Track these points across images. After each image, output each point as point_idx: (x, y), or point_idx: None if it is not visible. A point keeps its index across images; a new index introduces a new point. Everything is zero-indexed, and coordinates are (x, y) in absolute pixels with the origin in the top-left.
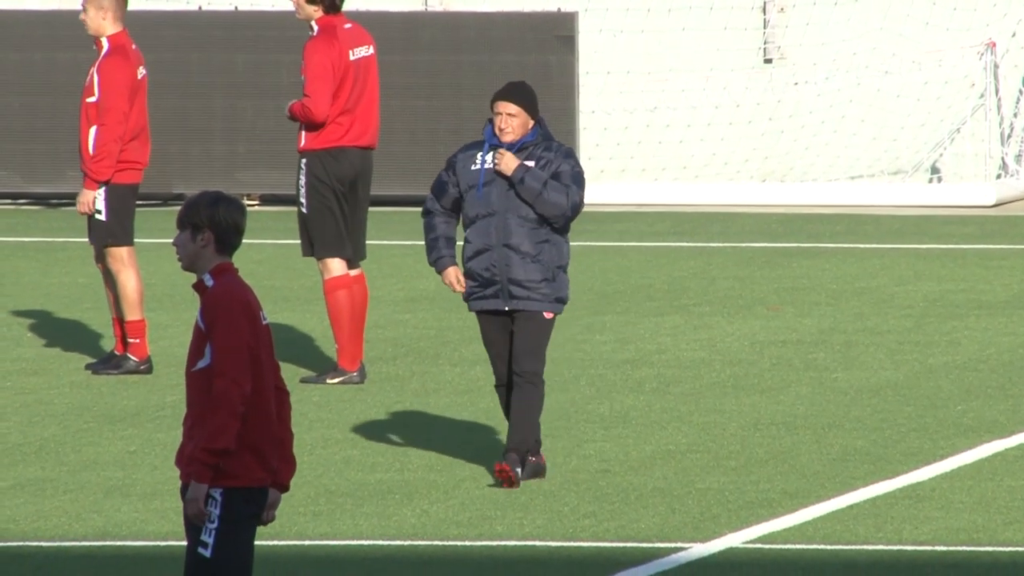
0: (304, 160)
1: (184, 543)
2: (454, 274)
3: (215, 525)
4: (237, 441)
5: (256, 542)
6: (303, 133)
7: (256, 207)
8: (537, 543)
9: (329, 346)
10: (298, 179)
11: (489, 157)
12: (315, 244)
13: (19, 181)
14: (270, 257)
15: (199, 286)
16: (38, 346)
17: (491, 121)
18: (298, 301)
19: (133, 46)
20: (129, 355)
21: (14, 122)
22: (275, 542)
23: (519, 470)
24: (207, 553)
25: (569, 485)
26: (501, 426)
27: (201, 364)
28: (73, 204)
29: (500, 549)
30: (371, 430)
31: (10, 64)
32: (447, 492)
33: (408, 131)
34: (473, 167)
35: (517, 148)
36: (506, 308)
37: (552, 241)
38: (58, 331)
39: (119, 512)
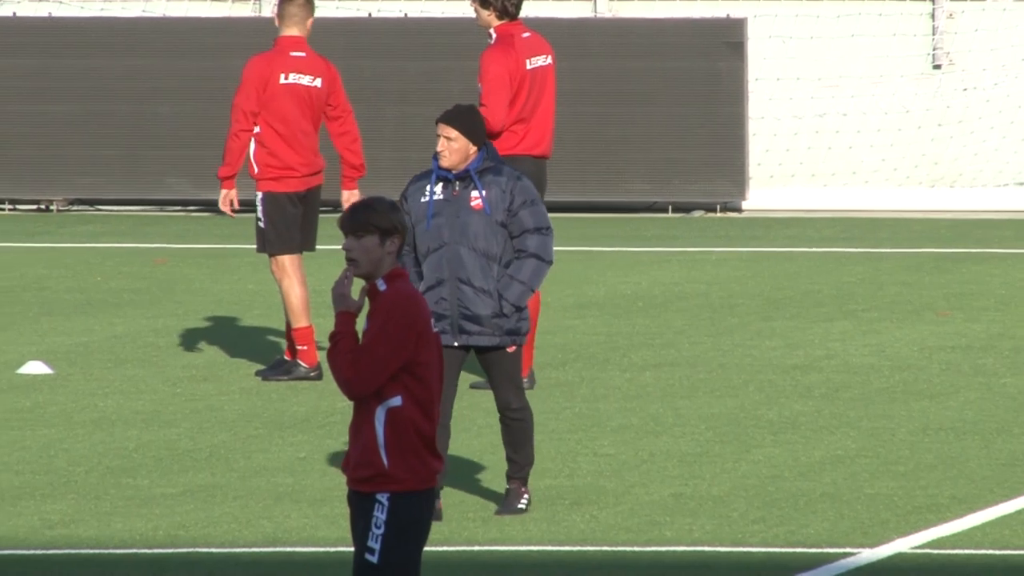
0: None
1: (352, 549)
2: None
3: (381, 531)
4: (397, 452)
5: (425, 548)
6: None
7: None
8: (706, 548)
9: None
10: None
11: (439, 188)
12: None
13: (189, 188)
14: None
15: (372, 291)
16: (208, 353)
17: None
18: None
19: (300, 52)
20: (299, 361)
21: (185, 129)
22: (445, 548)
23: (521, 503)
24: (374, 559)
25: (738, 490)
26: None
27: None
28: (241, 210)
29: (669, 555)
30: (540, 436)
31: (181, 71)
32: (616, 498)
33: (577, 138)
34: (423, 199)
35: (459, 176)
36: (455, 344)
37: (500, 275)
38: (228, 338)
39: (288, 518)
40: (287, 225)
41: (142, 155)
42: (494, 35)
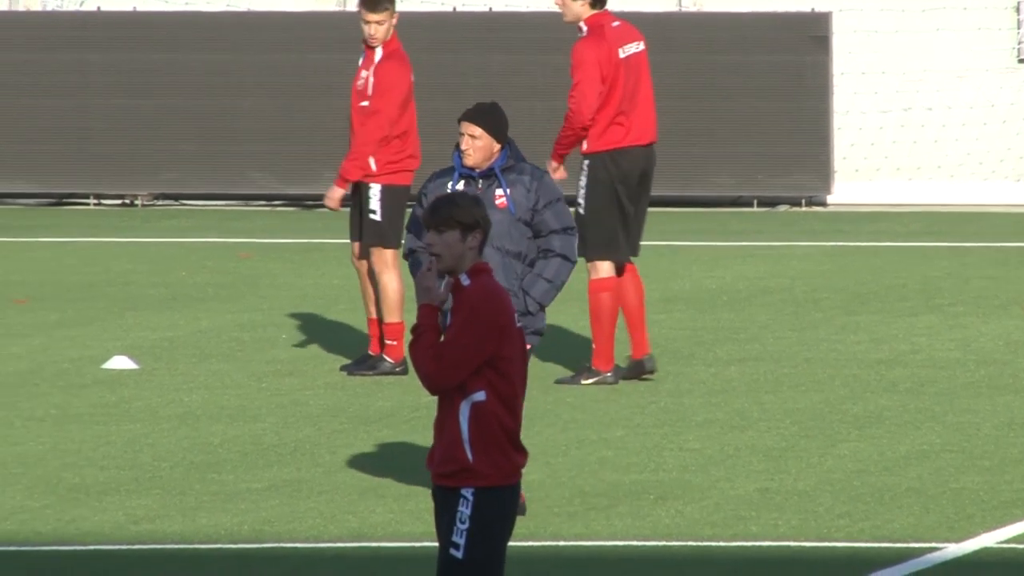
0: (587, 162)
1: (437, 544)
2: None
3: (466, 526)
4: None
5: (510, 543)
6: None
7: None
8: (791, 543)
9: (576, 346)
10: (579, 180)
11: (461, 186)
12: (587, 245)
13: (274, 183)
14: None
15: (455, 285)
16: (293, 347)
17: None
18: (556, 302)
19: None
20: (385, 356)
21: (270, 124)
22: (530, 543)
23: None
24: (458, 554)
25: (823, 485)
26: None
27: None
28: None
29: (754, 549)
30: (625, 431)
31: (262, 66)
32: (702, 492)
33: (661, 132)
34: None
35: (483, 174)
36: None
37: (524, 274)
38: (313, 332)
39: (373, 513)
40: (400, 219)
41: (226, 150)
42: (584, 27)
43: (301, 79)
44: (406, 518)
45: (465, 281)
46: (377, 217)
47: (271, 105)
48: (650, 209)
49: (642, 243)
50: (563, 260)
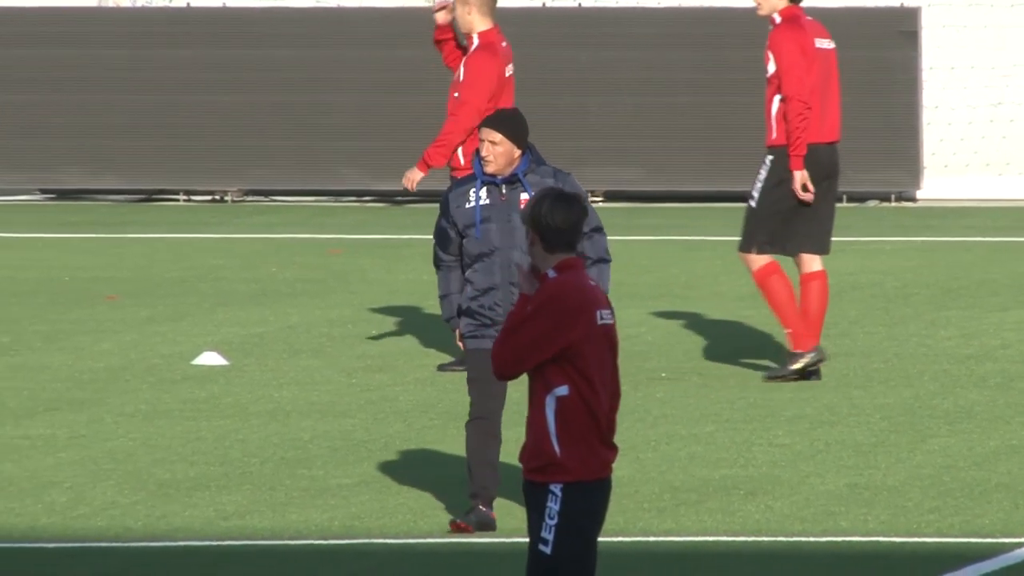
0: (770, 156)
1: (527, 540)
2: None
3: (555, 521)
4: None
5: (600, 538)
6: (774, 126)
7: (600, 203)
8: (881, 539)
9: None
10: (759, 172)
11: (484, 193)
12: (744, 235)
13: (364, 178)
14: (614, 253)
15: (542, 279)
16: (383, 343)
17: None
18: (643, 297)
19: (503, 43)
20: None
21: (360, 119)
22: (619, 538)
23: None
24: (547, 550)
25: (913, 480)
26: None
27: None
28: (418, 201)
29: (844, 545)
30: (715, 426)
31: (353, 62)
32: (792, 488)
33: (753, 128)
34: (467, 205)
35: (506, 180)
36: None
37: None
38: (403, 328)
39: (464, 508)
40: None
41: (316, 146)
42: (779, 18)
43: (391, 74)
44: (499, 513)
45: (552, 274)
46: None
47: (361, 101)
48: (739, 204)
49: (731, 238)
50: (602, 263)
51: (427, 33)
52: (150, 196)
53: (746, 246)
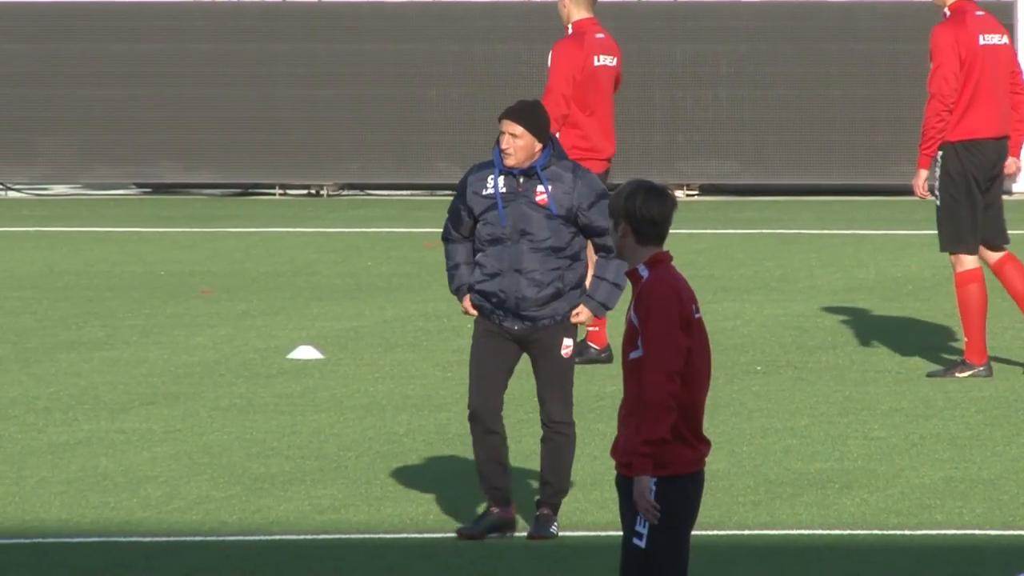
0: (940, 153)
1: (621, 533)
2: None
3: None
4: (672, 431)
5: (695, 532)
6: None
7: (695, 197)
8: (976, 532)
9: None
10: (934, 171)
11: (501, 181)
12: (942, 238)
13: (460, 172)
14: (709, 247)
15: (633, 275)
16: None
17: (499, 141)
18: (738, 291)
19: (599, 34)
20: (589, 343)
21: (455, 114)
22: (715, 532)
23: (554, 528)
24: (641, 544)
25: (1008, 474)
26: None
27: (634, 355)
28: None
29: (939, 538)
30: (810, 419)
31: (449, 56)
32: (887, 481)
33: (846, 120)
34: (485, 191)
35: (524, 171)
36: (515, 328)
37: (564, 267)
38: None
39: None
40: None
41: (411, 140)
42: (947, 12)
43: (487, 68)
44: (591, 507)
45: (643, 272)
46: None
47: (457, 95)
48: (834, 198)
49: (835, 232)
50: (621, 260)
51: (523, 27)
52: (245, 190)
53: (949, 246)
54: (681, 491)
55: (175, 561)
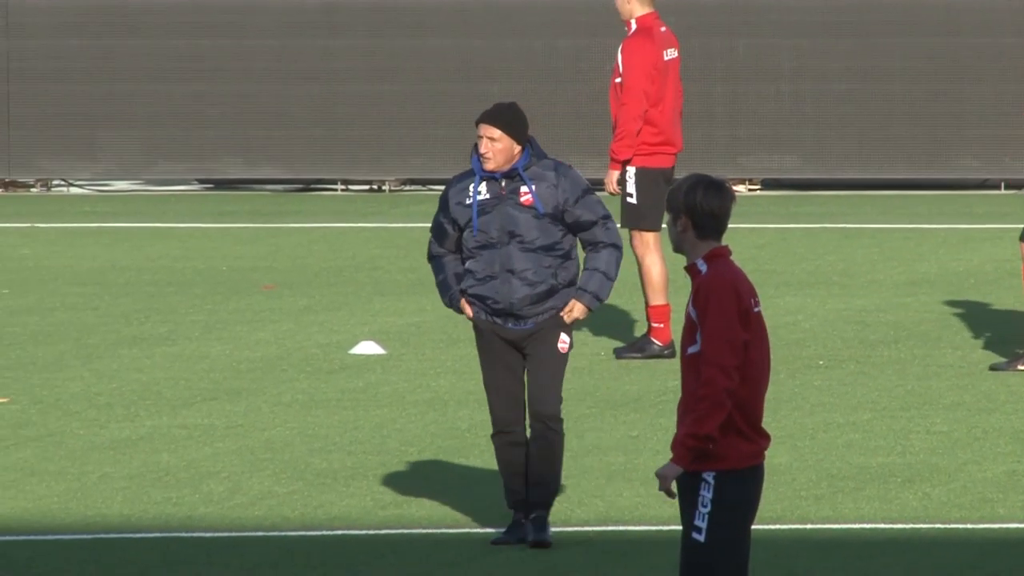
0: None
1: (681, 527)
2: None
3: (708, 509)
4: (721, 429)
5: (756, 526)
6: None
7: (757, 192)
8: None
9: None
10: None
11: (483, 187)
12: None
13: None
14: (771, 242)
15: (691, 269)
16: None
17: (476, 146)
18: (800, 285)
19: (662, 28)
20: (652, 339)
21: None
22: (777, 526)
23: (549, 533)
24: (701, 538)
25: None
26: (1003, 409)
27: (692, 350)
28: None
29: (1001, 532)
30: (872, 414)
31: (510, 51)
32: (949, 475)
33: (907, 115)
34: (467, 201)
35: (505, 174)
36: (511, 327)
37: (557, 264)
38: None
39: (621, 497)
40: (656, 201)
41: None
42: None
43: (549, 63)
44: (654, 502)
45: (701, 267)
46: (634, 200)
47: (519, 90)
48: (894, 192)
49: (897, 226)
50: (612, 249)
51: (584, 22)
52: (308, 186)
53: None
54: (739, 485)
55: (237, 557)
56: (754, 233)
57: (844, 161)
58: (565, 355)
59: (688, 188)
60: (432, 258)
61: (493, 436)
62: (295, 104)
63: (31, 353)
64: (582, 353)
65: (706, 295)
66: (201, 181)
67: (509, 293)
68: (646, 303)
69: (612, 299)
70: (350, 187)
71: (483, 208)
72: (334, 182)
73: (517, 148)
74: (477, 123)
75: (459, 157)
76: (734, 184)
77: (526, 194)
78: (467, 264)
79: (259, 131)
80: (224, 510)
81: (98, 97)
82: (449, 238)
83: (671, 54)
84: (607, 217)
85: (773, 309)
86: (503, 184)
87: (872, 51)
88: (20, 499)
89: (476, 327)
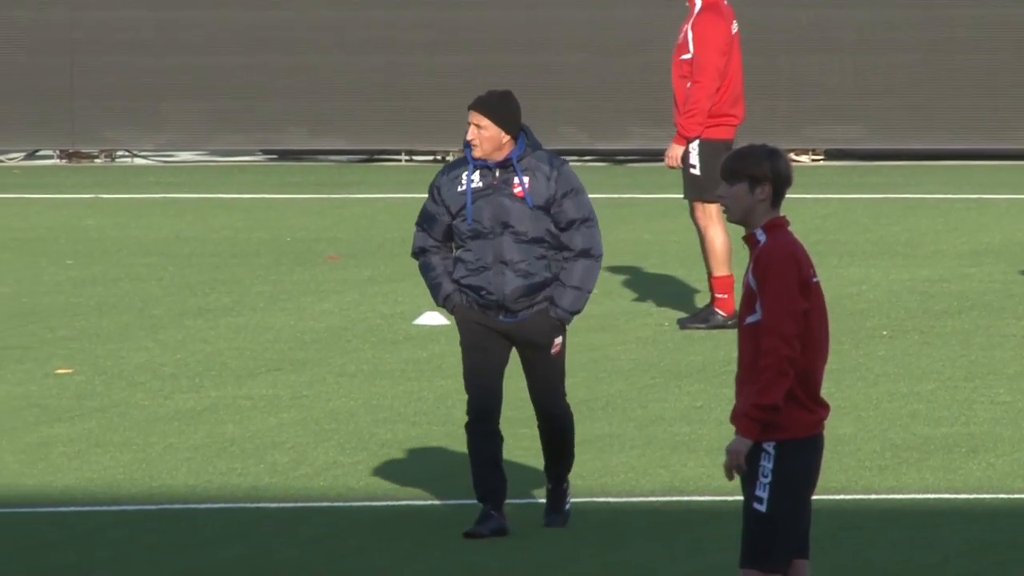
0: None
1: (742, 498)
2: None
3: (769, 479)
4: (785, 397)
5: (820, 496)
6: None
7: (821, 162)
8: None
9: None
10: None
11: (476, 176)
12: None
13: (584, 138)
14: (835, 212)
15: (750, 240)
16: (604, 302)
17: None
18: (864, 256)
19: (725, 2)
20: (716, 309)
21: (580, 79)
22: (841, 496)
23: (563, 511)
24: (762, 508)
25: None
26: None
27: (751, 319)
28: (639, 161)
29: None
30: (936, 384)
31: (575, 22)
32: (1013, 445)
33: (973, 85)
34: (459, 188)
35: (499, 164)
36: (502, 319)
37: (550, 256)
38: (624, 287)
39: (685, 467)
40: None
41: (537, 105)
42: None
43: (612, 34)
44: (717, 472)
45: (761, 237)
46: (697, 171)
47: (583, 60)
48: (958, 162)
49: (961, 196)
50: (587, 260)
51: None
52: (372, 156)
53: None
54: (799, 455)
55: (302, 527)
56: (818, 204)
57: (908, 132)
58: (561, 356)
59: (769, 155)
60: (420, 253)
61: (467, 425)
62: (359, 75)
63: (96, 324)
64: (646, 324)
65: (766, 264)
66: (265, 152)
67: (502, 284)
68: (709, 274)
69: (675, 270)
70: (414, 158)
71: (476, 197)
72: (398, 153)
73: (506, 138)
74: (468, 109)
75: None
76: (798, 154)
77: (518, 186)
78: (458, 253)
79: (323, 102)
80: (289, 481)
81: (162, 68)
82: (439, 225)
83: (736, 28)
84: (589, 220)
85: (837, 280)
86: (496, 174)
87: (936, 21)
88: (85, 470)
89: (461, 317)
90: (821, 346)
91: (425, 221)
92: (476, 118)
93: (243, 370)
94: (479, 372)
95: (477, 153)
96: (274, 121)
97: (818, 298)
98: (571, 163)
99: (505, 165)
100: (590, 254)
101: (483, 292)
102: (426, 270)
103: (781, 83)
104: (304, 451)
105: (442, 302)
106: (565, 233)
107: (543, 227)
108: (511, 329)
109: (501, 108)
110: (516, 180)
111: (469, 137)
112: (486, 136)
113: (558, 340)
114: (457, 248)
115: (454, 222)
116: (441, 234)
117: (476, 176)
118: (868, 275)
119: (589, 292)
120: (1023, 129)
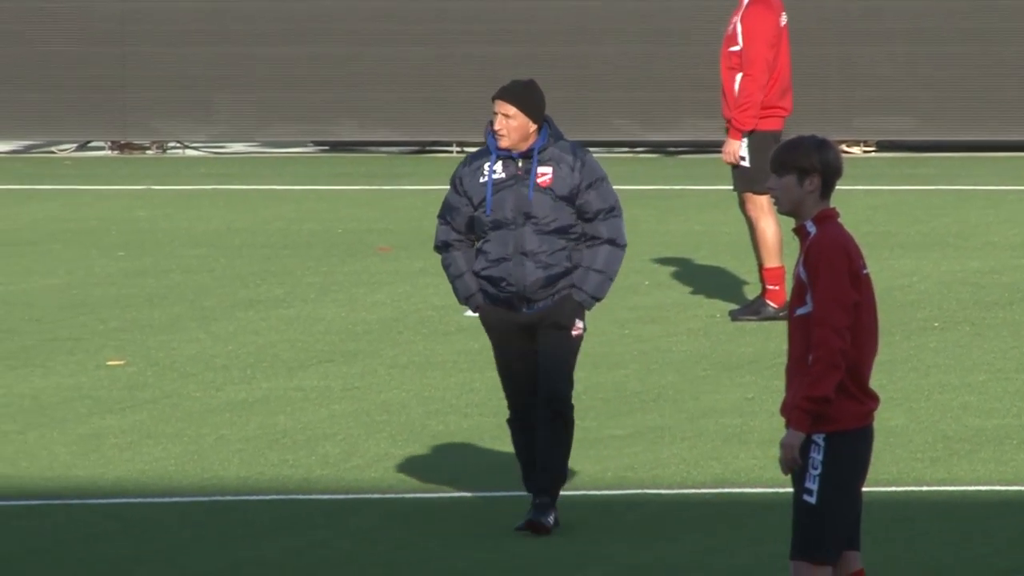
0: None
1: (792, 490)
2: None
3: (818, 471)
4: (835, 389)
5: (871, 488)
6: None
7: (872, 154)
8: None
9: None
10: None
11: (499, 167)
12: None
13: (637, 129)
14: (886, 203)
15: (801, 231)
16: (655, 294)
17: (492, 123)
18: (915, 247)
19: None
20: (767, 301)
21: (632, 70)
22: (892, 488)
23: (551, 519)
24: (812, 500)
25: None
26: None
27: (801, 311)
28: (690, 152)
29: None
30: (988, 376)
31: (624, 12)
32: None
33: (1013, 74)
34: (481, 179)
35: (522, 154)
36: (524, 311)
37: (571, 247)
38: (676, 279)
39: (737, 459)
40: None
41: (588, 96)
42: None
43: (663, 24)
44: (769, 464)
45: (811, 228)
46: (747, 163)
47: (633, 51)
48: (1009, 154)
49: (1012, 188)
50: (611, 247)
51: None
52: (423, 148)
53: None
54: (849, 446)
55: (353, 518)
56: (869, 195)
57: (959, 123)
58: (578, 340)
59: (819, 146)
60: (443, 248)
61: (509, 421)
62: (410, 66)
63: (147, 315)
64: (697, 315)
65: (817, 256)
66: (316, 143)
67: (523, 276)
68: (760, 265)
69: (726, 262)
70: (465, 149)
71: (498, 187)
72: (449, 144)
73: (533, 127)
74: (493, 99)
75: (573, 120)
76: (849, 146)
77: (543, 175)
78: (480, 245)
79: (374, 93)
80: (340, 472)
81: (213, 59)
82: (461, 216)
83: (784, 19)
84: (614, 210)
85: (888, 271)
86: (520, 164)
87: (987, 12)
88: (137, 461)
89: (484, 317)
90: (871, 338)
91: (447, 212)
92: (503, 107)
93: (295, 361)
94: (513, 370)
95: (505, 143)
96: (325, 113)
97: (868, 290)
98: (622, 156)
99: (528, 155)
100: (615, 243)
101: (503, 283)
102: (448, 265)
103: (832, 74)
104: (355, 442)
105: (465, 300)
106: (590, 224)
107: (565, 218)
108: (534, 319)
109: (528, 96)
110: (542, 170)
111: (496, 127)
112: (514, 126)
113: (580, 323)
114: (479, 240)
115: (476, 213)
116: (464, 226)
117: (498, 167)
118: (919, 267)
119: (612, 279)
120: None
